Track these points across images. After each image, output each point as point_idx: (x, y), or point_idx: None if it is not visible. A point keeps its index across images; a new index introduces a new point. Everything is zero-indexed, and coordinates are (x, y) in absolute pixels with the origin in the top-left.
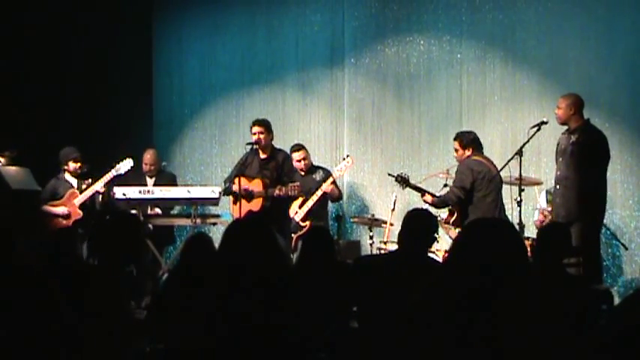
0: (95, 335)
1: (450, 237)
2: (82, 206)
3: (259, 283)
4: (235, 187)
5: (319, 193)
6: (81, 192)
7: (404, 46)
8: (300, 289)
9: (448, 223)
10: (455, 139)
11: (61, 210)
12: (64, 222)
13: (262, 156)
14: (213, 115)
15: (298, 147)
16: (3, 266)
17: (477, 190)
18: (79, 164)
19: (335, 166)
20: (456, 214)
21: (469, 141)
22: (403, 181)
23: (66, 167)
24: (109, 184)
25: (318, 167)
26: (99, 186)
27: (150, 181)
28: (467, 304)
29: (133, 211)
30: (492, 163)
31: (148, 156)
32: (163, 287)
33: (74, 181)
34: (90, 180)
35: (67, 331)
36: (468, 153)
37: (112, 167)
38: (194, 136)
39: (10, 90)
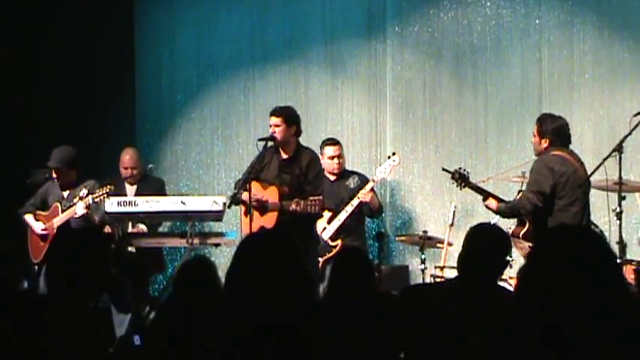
0: None
1: (522, 256)
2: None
3: (279, 322)
4: (245, 196)
5: (355, 202)
6: (62, 210)
7: (464, 10)
8: (330, 327)
9: (517, 236)
10: (536, 122)
11: (38, 227)
12: (41, 243)
13: (283, 155)
14: (214, 101)
15: (333, 141)
16: None
17: (558, 197)
18: (55, 176)
19: (376, 167)
20: (527, 225)
21: (549, 129)
22: (462, 178)
23: None
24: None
25: (353, 172)
26: (80, 210)
27: (130, 189)
28: (546, 342)
29: (107, 230)
30: (579, 160)
31: (127, 157)
32: (150, 328)
33: (66, 192)
34: (84, 192)
35: None
36: (544, 144)
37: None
38: (190, 129)
39: None
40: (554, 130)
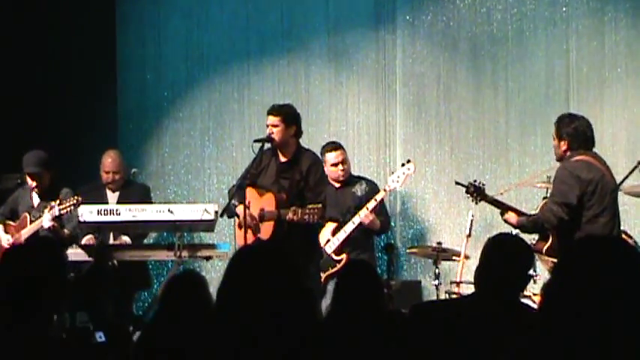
0: None
1: (547, 270)
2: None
3: (275, 343)
4: (240, 210)
5: (356, 220)
6: (30, 221)
7: None
8: (333, 349)
9: (539, 252)
10: (554, 123)
11: (5, 240)
12: None
13: (282, 159)
14: (205, 99)
15: (335, 145)
16: None
17: (586, 208)
18: (34, 183)
19: (384, 171)
20: (551, 239)
21: (566, 130)
22: (477, 192)
23: None
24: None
25: (360, 178)
26: (46, 222)
27: (112, 196)
28: None
29: (87, 239)
30: (606, 164)
31: (109, 160)
32: (135, 350)
33: (37, 199)
34: (57, 202)
35: None
36: (563, 147)
37: (60, 202)
38: (178, 130)
39: None
40: (572, 132)
